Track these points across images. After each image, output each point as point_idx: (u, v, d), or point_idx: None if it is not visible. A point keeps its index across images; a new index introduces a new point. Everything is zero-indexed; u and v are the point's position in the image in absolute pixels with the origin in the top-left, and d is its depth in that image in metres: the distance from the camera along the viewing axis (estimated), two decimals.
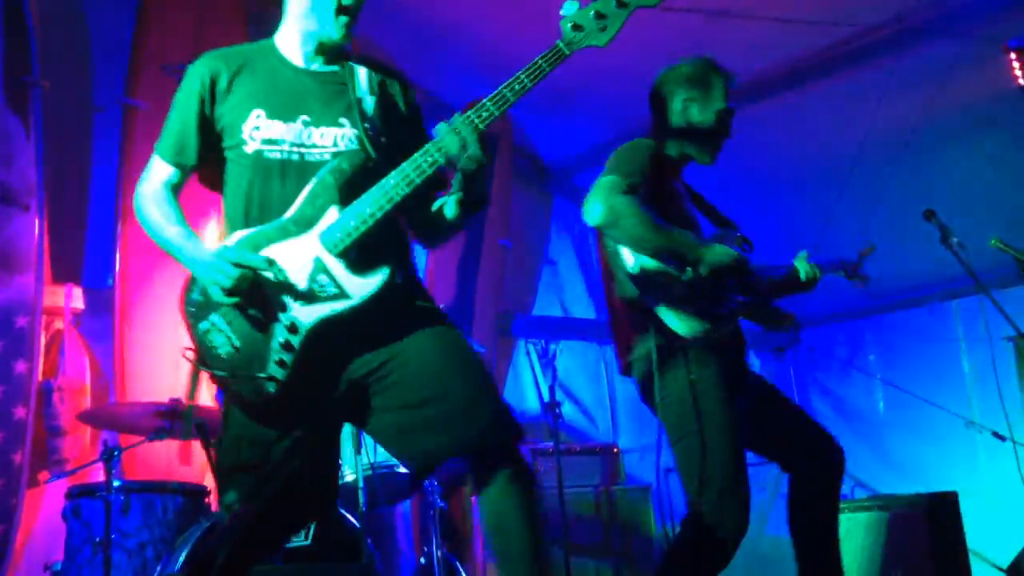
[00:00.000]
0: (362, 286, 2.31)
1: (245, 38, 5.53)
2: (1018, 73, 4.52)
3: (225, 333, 2.35)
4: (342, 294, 2.31)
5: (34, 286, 4.36)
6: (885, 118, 5.75)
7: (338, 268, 2.31)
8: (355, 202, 2.32)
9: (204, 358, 2.39)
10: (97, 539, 3.64)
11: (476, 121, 2.28)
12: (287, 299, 2.31)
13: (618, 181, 2.86)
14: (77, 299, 4.95)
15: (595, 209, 2.83)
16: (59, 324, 4.83)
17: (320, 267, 2.31)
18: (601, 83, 5.70)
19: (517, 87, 2.28)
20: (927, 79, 5.73)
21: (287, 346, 2.31)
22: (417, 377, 2.35)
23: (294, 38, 2.50)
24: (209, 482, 4.23)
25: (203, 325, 2.38)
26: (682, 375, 2.95)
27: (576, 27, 2.30)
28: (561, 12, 2.30)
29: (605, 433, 7.20)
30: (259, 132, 2.41)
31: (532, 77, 2.29)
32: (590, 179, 2.86)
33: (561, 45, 2.30)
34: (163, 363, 4.74)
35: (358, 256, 2.32)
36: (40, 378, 4.39)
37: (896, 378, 7.34)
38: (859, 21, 5.47)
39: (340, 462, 2.97)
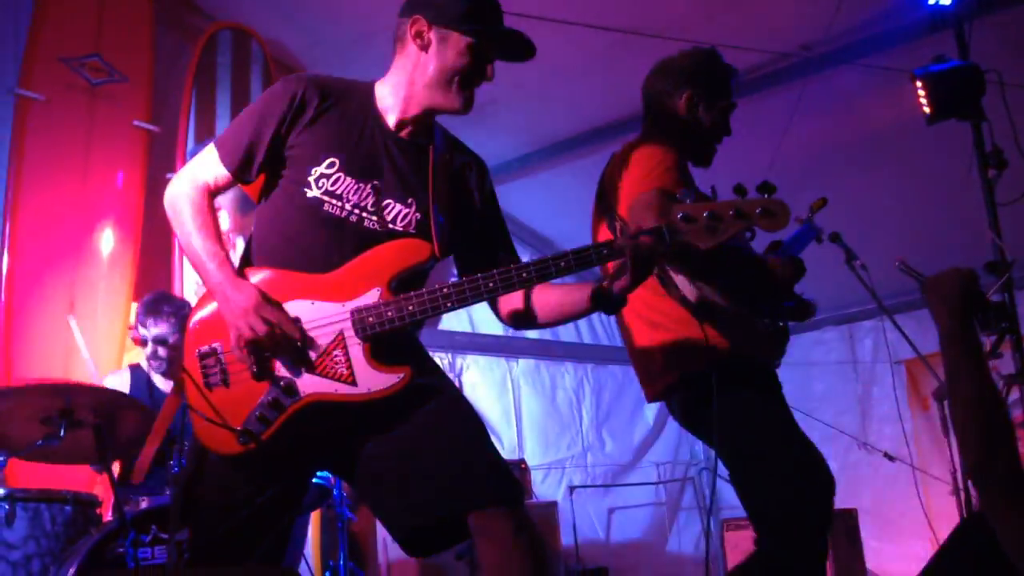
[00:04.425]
0: (374, 380, 2.17)
1: (150, 35, 5.36)
2: (923, 101, 4.63)
3: (222, 365, 2.21)
4: (351, 379, 2.17)
5: None
6: (791, 143, 5.88)
7: (357, 352, 2.18)
8: (402, 296, 2.18)
9: (191, 382, 2.22)
10: None
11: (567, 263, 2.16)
12: (295, 360, 2.18)
13: (665, 194, 2.60)
14: None
15: None
16: None
17: (340, 343, 2.18)
18: (512, 100, 5.69)
19: (605, 252, 2.17)
20: (834, 105, 5.88)
21: (275, 404, 2.17)
22: (416, 431, 2.23)
23: (396, 97, 2.34)
24: (100, 492, 4.03)
25: (205, 348, 2.22)
26: (749, 395, 2.88)
27: (688, 219, 2.16)
28: (678, 195, 2.18)
29: (511, 450, 7.17)
30: (326, 182, 2.26)
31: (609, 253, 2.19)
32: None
33: (664, 230, 2.16)
34: (54, 373, 4.52)
35: (381, 349, 2.19)
36: None
37: (793, 399, 7.48)
38: (766, 47, 5.58)
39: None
